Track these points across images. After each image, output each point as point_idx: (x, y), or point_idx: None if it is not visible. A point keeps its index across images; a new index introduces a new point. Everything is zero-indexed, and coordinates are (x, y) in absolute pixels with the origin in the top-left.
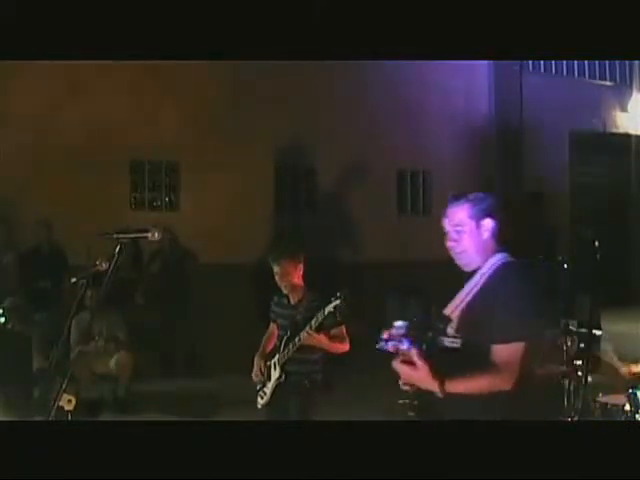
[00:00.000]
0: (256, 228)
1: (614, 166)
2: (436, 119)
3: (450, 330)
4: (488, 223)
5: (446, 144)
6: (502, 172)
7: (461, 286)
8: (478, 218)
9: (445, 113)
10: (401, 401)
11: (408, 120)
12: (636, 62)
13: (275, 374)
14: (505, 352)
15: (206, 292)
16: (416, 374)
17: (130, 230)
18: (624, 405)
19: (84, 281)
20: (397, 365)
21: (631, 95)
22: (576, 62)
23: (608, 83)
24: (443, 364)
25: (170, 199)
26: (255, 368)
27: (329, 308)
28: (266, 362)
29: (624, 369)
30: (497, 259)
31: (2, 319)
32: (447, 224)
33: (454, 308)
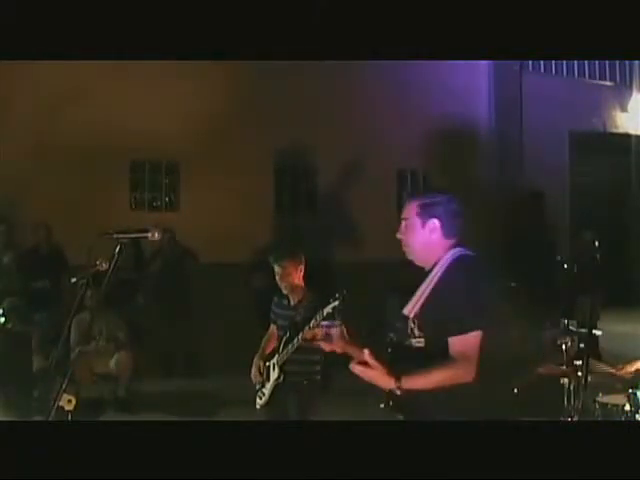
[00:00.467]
0: (256, 228)
1: (614, 166)
2: (436, 119)
3: (417, 331)
4: (434, 224)
5: (446, 144)
6: (502, 172)
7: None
8: (424, 218)
9: (445, 113)
10: (382, 405)
11: (408, 120)
12: (636, 62)
13: (274, 375)
14: (461, 343)
15: (206, 292)
16: (371, 373)
17: (130, 230)
18: (624, 405)
19: (84, 281)
20: (353, 367)
21: (631, 95)
22: (576, 62)
23: (608, 83)
24: (411, 365)
25: (170, 199)
26: (254, 369)
27: (328, 309)
28: (265, 363)
29: (620, 372)
30: (451, 254)
31: (2, 319)
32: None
33: (412, 307)
